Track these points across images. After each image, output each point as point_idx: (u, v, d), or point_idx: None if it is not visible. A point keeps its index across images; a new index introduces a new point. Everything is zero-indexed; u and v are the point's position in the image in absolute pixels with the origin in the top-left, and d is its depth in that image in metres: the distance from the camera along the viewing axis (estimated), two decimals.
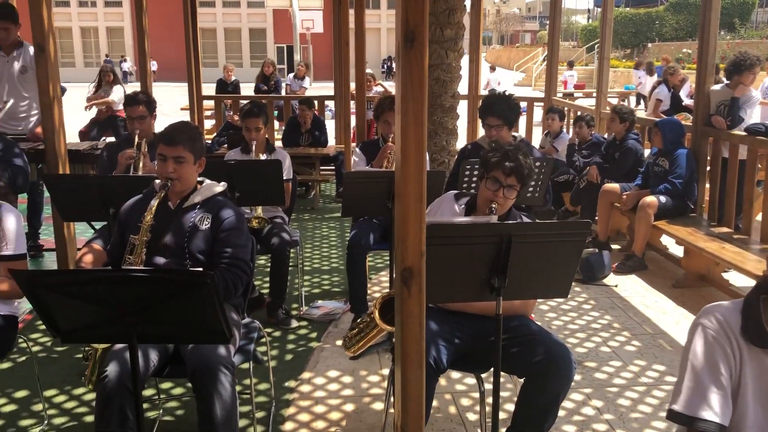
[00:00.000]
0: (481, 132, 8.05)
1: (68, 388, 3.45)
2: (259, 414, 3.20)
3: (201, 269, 2.07)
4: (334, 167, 8.25)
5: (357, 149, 4.38)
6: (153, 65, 37.86)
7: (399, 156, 1.84)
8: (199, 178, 2.93)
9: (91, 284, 2.02)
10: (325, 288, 4.97)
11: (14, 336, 2.84)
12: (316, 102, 8.21)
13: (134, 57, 41.68)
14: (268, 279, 4.34)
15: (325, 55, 40.96)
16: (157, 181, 2.88)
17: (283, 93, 12.06)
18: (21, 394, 3.40)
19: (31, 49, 5.20)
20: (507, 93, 4.27)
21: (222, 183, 2.98)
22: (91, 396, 3.36)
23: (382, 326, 2.66)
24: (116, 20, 43.11)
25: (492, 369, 2.71)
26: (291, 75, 12.47)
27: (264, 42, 44.08)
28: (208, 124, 11.16)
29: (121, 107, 9.41)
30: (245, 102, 5.11)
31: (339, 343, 3.98)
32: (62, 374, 3.59)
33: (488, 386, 2.85)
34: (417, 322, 1.94)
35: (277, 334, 4.12)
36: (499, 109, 4.01)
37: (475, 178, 3.71)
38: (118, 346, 2.50)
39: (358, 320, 2.97)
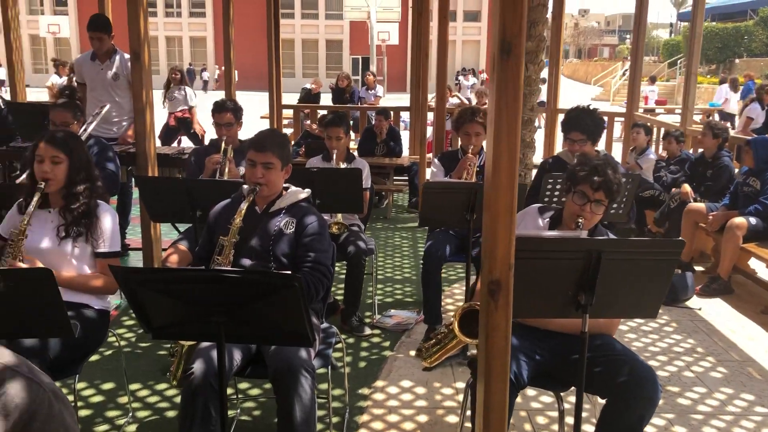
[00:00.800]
0: (558, 145, 7.92)
1: (151, 383, 3.57)
2: (334, 419, 3.22)
3: (290, 272, 2.10)
4: (407, 178, 8.28)
5: (435, 160, 4.39)
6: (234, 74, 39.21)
7: (490, 167, 1.83)
8: (285, 184, 3.00)
9: (184, 282, 2.09)
10: (397, 297, 4.98)
11: (106, 330, 2.97)
12: (392, 113, 8.28)
13: (215, 66, 43.18)
14: (342, 286, 4.39)
15: (399, 66, 41.35)
16: (245, 186, 2.96)
17: (359, 104, 12.21)
18: (108, 386, 3.54)
19: (123, 57, 5.48)
20: (591, 107, 4.18)
21: (306, 189, 3.04)
22: (173, 392, 3.47)
23: (461, 338, 2.64)
24: (199, 30, 44.71)
25: (572, 388, 2.67)
26: (363, 87, 12.61)
27: (340, 53, 44.81)
28: (287, 132, 11.41)
29: (186, 107, 9.88)
30: (327, 112, 5.20)
31: (412, 353, 3.97)
32: (145, 369, 3.72)
33: (567, 405, 2.79)
34: (503, 335, 1.91)
35: (350, 340, 4.16)
36: (583, 123, 3.94)
37: (557, 192, 3.65)
38: (204, 344, 2.58)
39: (436, 331, 2.96)
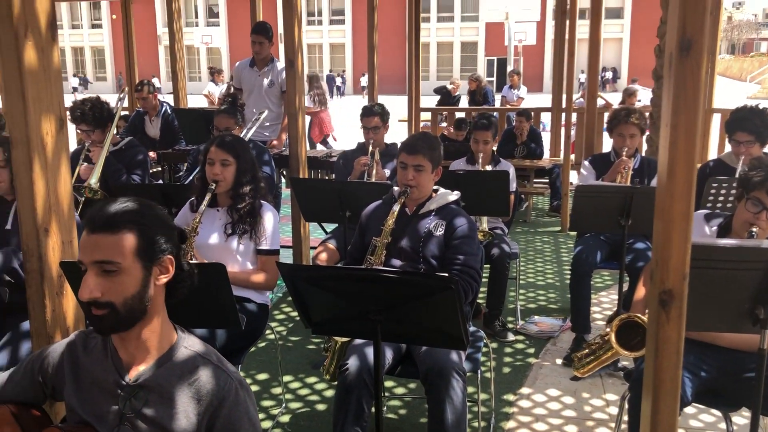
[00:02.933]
0: (713, 148, 7.40)
1: (302, 376, 3.73)
2: (480, 424, 3.20)
3: (447, 274, 2.11)
4: (548, 180, 8.08)
5: (586, 162, 4.24)
6: (364, 80, 40.27)
7: (665, 170, 1.74)
8: (434, 187, 3.02)
9: (345, 280, 2.16)
10: (540, 303, 4.87)
11: (265, 323, 3.13)
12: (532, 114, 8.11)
13: (352, 71, 44.41)
14: (485, 289, 4.35)
15: (535, 66, 40.48)
16: (396, 188, 3.02)
17: (497, 105, 12.06)
18: (262, 376, 3.74)
19: (279, 65, 5.77)
20: (760, 106, 3.87)
21: (455, 192, 3.04)
22: (323, 386, 3.60)
23: (618, 351, 2.53)
24: (339, 37, 46.19)
25: (743, 407, 2.48)
26: (506, 86, 12.43)
27: (475, 55, 44.59)
28: None
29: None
30: (465, 115, 5.17)
31: (558, 361, 3.87)
32: (296, 362, 3.89)
33: (734, 427, 2.60)
34: (674, 349, 1.81)
35: (493, 345, 4.11)
36: (751, 124, 3.67)
37: (721, 198, 3.41)
38: (358, 341, 2.66)
39: (589, 341, 2.86)
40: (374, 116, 4.43)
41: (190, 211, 3.10)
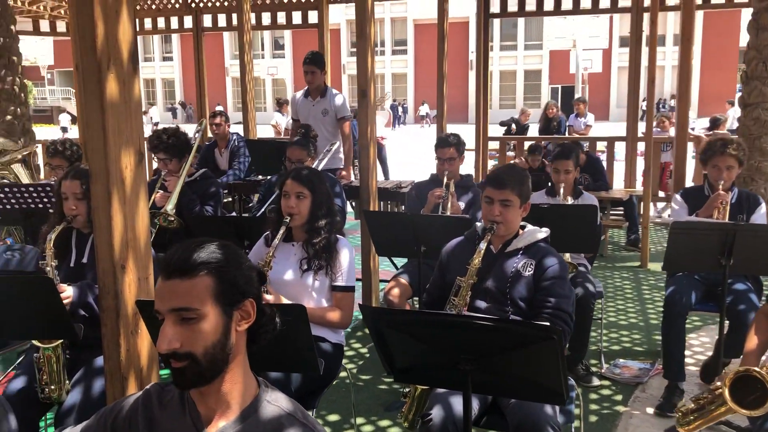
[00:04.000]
0: None
1: (374, 419, 3.56)
2: None
3: (548, 324, 1.92)
4: (623, 211, 7.72)
5: (677, 197, 3.97)
6: (424, 108, 40.35)
7: None
8: (521, 223, 2.84)
9: (433, 327, 2.00)
10: (625, 345, 4.57)
11: (340, 363, 2.99)
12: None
13: (413, 101, 44.60)
14: None
15: (600, 94, 39.71)
16: (479, 224, 2.85)
17: (566, 134, 11.76)
18: (333, 417, 3.58)
19: (332, 93, 5.83)
20: None
21: (545, 229, 2.85)
22: (396, 430, 3.42)
23: (734, 408, 2.28)
24: (401, 67, 46.56)
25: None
26: (572, 115, 12.11)
27: (538, 83, 44.15)
28: (491, 164, 11.28)
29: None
30: (557, 145, 4.97)
31: (650, 410, 3.58)
32: (368, 403, 3.72)
33: None
34: None
35: (578, 390, 3.84)
36: None
37: None
38: (442, 389, 2.47)
39: (697, 396, 2.60)
40: (450, 147, 4.28)
41: (265, 245, 3.01)
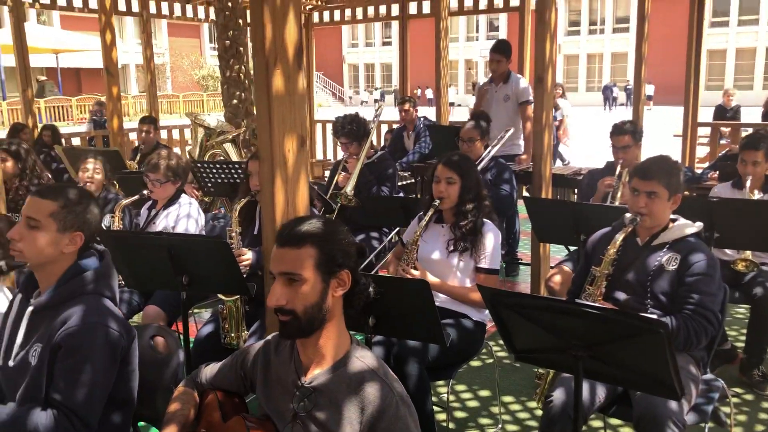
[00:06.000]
0: None
1: (523, 399, 3.65)
2: None
3: (655, 317, 1.93)
4: None
5: None
6: (649, 89, 37.56)
7: None
8: (672, 216, 2.75)
9: (546, 311, 2.09)
10: None
11: (482, 340, 3.14)
12: None
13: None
14: (744, 332, 3.82)
15: None
16: (628, 214, 2.81)
17: None
18: (484, 393, 3.74)
19: (515, 79, 5.88)
20: None
21: (697, 223, 2.73)
22: (541, 412, 3.49)
23: None
24: (621, 46, 43.96)
25: None
26: None
27: (752, 62, 39.17)
28: (702, 151, 10.43)
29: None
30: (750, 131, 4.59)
31: None
32: (521, 384, 3.82)
33: None
34: None
35: (748, 397, 3.60)
36: None
37: None
38: (568, 374, 2.53)
39: None
40: (625, 134, 4.16)
41: (417, 225, 3.24)
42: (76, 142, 10.29)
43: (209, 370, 2.00)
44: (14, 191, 4.64)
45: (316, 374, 1.73)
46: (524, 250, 6.13)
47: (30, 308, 2.02)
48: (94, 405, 1.91)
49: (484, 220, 3.11)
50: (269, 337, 1.91)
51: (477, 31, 48.65)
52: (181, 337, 2.83)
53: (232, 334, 3.09)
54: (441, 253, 3.10)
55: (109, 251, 2.23)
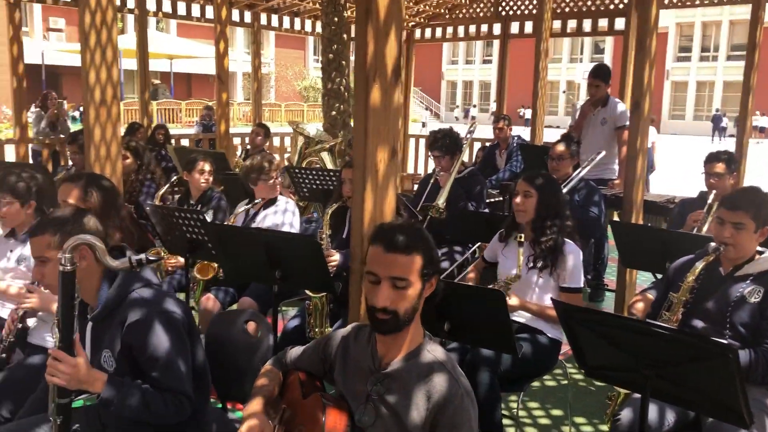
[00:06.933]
0: None
1: (596, 422, 3.66)
2: None
3: (725, 341, 1.96)
4: None
5: None
6: (763, 121, 35.57)
7: None
8: (759, 248, 2.73)
9: (616, 328, 2.15)
10: None
11: (556, 357, 3.19)
12: None
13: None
14: None
15: None
16: (712, 243, 2.81)
17: None
18: (556, 412, 3.77)
19: (613, 103, 5.88)
20: None
21: None
22: None
23: None
24: (736, 75, 41.97)
25: None
26: None
27: None
28: None
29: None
30: None
31: None
32: (594, 407, 3.81)
33: None
34: None
35: None
36: None
37: None
38: (637, 394, 2.56)
39: None
40: (719, 162, 4.11)
41: (498, 242, 3.33)
42: (184, 143, 10.95)
43: (294, 352, 2.19)
44: (130, 184, 5.08)
45: (391, 363, 1.89)
46: (611, 277, 6.05)
47: (89, 324, 2.21)
48: (185, 379, 2.11)
49: (565, 239, 3.17)
50: (349, 328, 2.08)
51: (581, 53, 47.77)
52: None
53: (317, 329, 3.29)
54: (522, 270, 3.18)
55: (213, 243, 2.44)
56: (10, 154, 9.40)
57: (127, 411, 2.03)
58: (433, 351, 1.89)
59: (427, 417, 1.80)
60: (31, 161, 9.01)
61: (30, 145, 9.37)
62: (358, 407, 1.90)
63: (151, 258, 1.90)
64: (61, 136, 8.92)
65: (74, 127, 8.64)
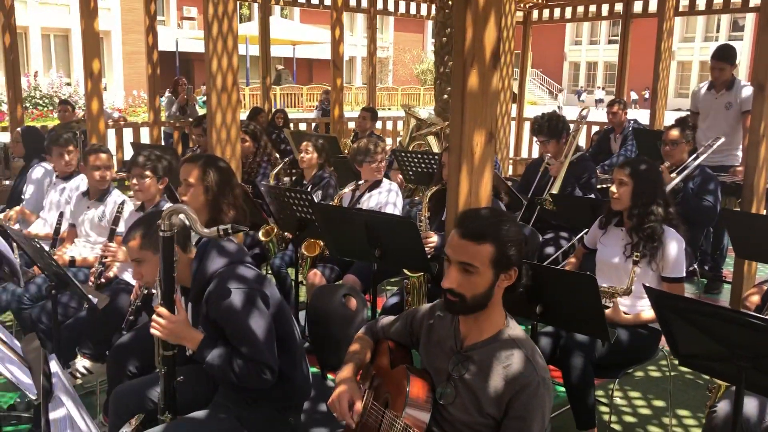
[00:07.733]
0: None
1: (700, 416, 3.54)
2: None
3: None
4: None
5: None
6: None
7: None
8: None
9: (711, 317, 2.10)
10: None
11: (655, 347, 3.11)
12: None
13: None
14: None
15: None
16: None
17: None
18: (659, 403, 3.68)
19: (739, 86, 5.49)
20: None
21: None
22: None
23: None
24: None
25: None
26: None
27: None
28: None
29: None
30: None
31: None
32: (698, 399, 3.69)
33: None
34: None
35: None
36: None
37: None
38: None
39: None
40: None
41: (598, 228, 3.29)
42: (302, 127, 11.39)
43: (385, 321, 2.31)
44: (248, 165, 5.41)
45: (473, 344, 1.95)
46: (730, 268, 5.74)
47: (189, 304, 2.42)
48: (266, 351, 2.25)
49: (665, 227, 3.07)
50: (435, 302, 2.16)
51: (717, 31, 44.61)
52: (369, 303, 3.20)
53: (414, 307, 3.40)
54: (619, 258, 3.13)
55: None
56: (145, 136, 10.22)
57: (216, 371, 2.24)
58: (514, 335, 1.94)
59: (502, 400, 1.85)
60: (162, 143, 9.74)
61: (162, 128, 10.13)
62: (439, 384, 1.99)
63: (237, 228, 2.07)
64: (190, 119, 9.56)
65: (202, 112, 9.27)
